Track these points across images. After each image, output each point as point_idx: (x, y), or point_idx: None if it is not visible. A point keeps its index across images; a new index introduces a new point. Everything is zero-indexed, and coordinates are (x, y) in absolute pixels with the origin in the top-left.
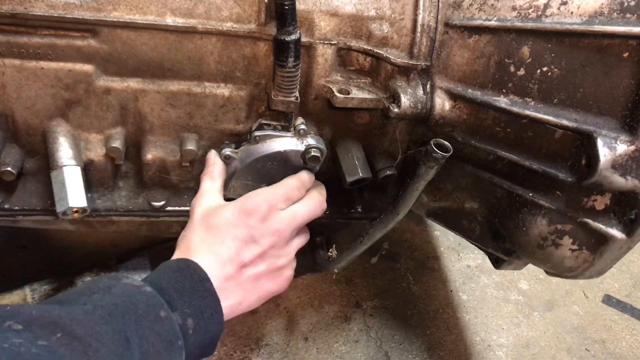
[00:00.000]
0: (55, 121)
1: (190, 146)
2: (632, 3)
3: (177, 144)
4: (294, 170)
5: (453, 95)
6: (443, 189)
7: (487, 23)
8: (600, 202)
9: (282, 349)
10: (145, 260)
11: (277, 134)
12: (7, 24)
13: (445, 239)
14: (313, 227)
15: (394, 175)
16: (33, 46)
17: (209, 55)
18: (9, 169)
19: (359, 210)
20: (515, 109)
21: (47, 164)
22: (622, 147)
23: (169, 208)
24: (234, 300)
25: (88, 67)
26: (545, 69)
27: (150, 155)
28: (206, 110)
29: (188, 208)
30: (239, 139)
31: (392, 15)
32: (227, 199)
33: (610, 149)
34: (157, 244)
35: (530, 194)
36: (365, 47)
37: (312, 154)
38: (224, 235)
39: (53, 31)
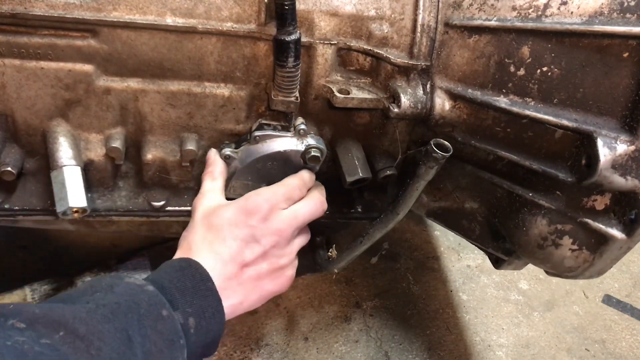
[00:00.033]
0: (55, 121)
1: (190, 146)
2: (632, 3)
3: (177, 144)
4: (294, 170)
5: (453, 95)
6: (443, 189)
7: (487, 23)
8: (600, 202)
9: (282, 349)
10: (145, 260)
11: (277, 134)
12: (7, 24)
13: (445, 239)
14: (313, 227)
15: (394, 175)
16: (33, 46)
17: (209, 55)
18: (9, 169)
19: (359, 210)
20: (515, 109)
21: (47, 164)
22: (622, 147)
23: (169, 208)
24: (235, 299)
25: (88, 67)
26: (545, 69)
27: (150, 155)
28: (206, 110)
29: (188, 208)
30: (239, 139)
31: (392, 15)
32: (228, 199)
33: (610, 149)
34: (157, 244)
35: (530, 194)
36: (365, 47)
37: (312, 154)
38: (225, 234)
39: (53, 31)
